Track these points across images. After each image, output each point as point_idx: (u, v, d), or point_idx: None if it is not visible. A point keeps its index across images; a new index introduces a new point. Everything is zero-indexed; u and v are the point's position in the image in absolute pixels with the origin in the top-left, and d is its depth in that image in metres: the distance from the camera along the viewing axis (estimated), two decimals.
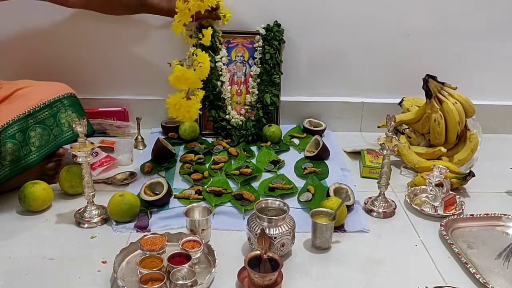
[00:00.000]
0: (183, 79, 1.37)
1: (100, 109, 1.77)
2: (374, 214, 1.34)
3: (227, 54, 1.70)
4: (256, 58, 1.70)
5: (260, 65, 1.70)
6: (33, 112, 1.37)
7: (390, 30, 1.75)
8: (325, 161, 1.58)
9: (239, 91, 1.75)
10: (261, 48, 1.69)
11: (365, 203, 1.38)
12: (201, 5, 1.43)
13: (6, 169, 1.30)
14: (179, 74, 1.36)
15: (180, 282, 1.01)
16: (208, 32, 1.46)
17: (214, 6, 1.57)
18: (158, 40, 1.71)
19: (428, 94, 1.55)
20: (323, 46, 1.77)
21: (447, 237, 1.21)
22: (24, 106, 1.37)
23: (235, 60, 1.73)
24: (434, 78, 1.54)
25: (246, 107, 1.75)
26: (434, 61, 1.77)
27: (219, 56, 1.68)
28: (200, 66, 1.38)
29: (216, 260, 1.08)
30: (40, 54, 1.72)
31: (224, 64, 1.69)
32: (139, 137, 1.70)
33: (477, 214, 1.31)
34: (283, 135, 1.75)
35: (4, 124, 1.32)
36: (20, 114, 1.35)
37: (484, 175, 1.50)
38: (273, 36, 1.67)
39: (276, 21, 1.69)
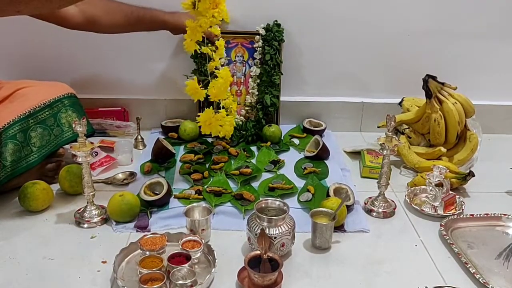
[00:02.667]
0: (197, 93, 1.47)
1: (100, 109, 1.77)
2: (374, 214, 1.34)
3: (226, 54, 1.69)
4: (256, 58, 1.70)
5: (260, 66, 1.69)
6: (33, 112, 1.37)
7: (390, 30, 1.75)
8: (325, 161, 1.58)
9: (238, 91, 1.74)
10: (261, 48, 1.68)
11: (365, 203, 1.38)
12: (213, 20, 1.41)
13: (7, 170, 1.30)
14: (191, 90, 1.47)
15: (180, 282, 1.01)
16: (221, 43, 1.46)
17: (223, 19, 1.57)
18: (158, 40, 1.71)
19: (428, 94, 1.55)
20: (323, 46, 1.77)
21: (447, 237, 1.21)
22: (25, 106, 1.37)
23: (234, 61, 1.72)
24: (434, 78, 1.54)
25: (246, 107, 1.74)
26: (434, 61, 1.77)
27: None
28: (222, 78, 1.46)
29: (216, 260, 1.08)
30: (40, 54, 1.72)
31: (223, 65, 1.69)
32: (139, 137, 1.70)
33: (477, 214, 1.31)
34: (283, 135, 1.75)
35: (5, 124, 1.32)
36: (20, 114, 1.35)
37: (484, 175, 1.50)
38: (273, 37, 1.66)
39: (276, 21, 1.69)
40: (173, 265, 1.04)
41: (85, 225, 1.26)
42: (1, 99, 1.41)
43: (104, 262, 1.13)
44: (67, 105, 1.44)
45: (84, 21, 1.48)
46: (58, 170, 1.42)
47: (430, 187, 1.36)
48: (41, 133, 1.38)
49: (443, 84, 1.56)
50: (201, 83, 1.67)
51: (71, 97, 1.47)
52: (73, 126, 1.19)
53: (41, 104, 1.39)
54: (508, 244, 1.21)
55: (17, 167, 1.33)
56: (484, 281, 1.06)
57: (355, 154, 1.68)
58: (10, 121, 1.33)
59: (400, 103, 1.74)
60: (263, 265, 1.04)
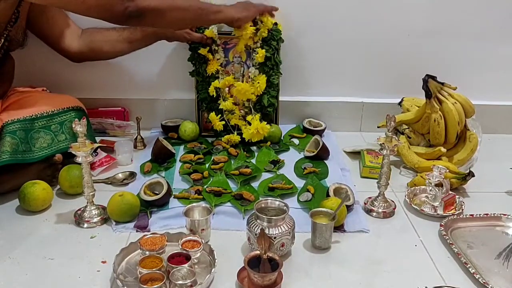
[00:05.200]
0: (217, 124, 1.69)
1: (100, 108, 1.77)
2: (374, 214, 1.34)
3: (224, 55, 1.69)
4: (254, 59, 1.68)
5: (258, 66, 1.68)
6: (40, 117, 1.40)
7: (390, 30, 1.74)
8: (325, 161, 1.58)
9: None
10: (259, 48, 1.67)
11: (364, 203, 1.38)
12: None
13: (4, 155, 1.31)
14: (213, 120, 1.69)
15: (180, 282, 1.01)
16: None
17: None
18: None
19: (428, 94, 1.55)
20: (323, 46, 1.76)
21: (447, 237, 1.21)
22: (32, 110, 1.40)
23: (232, 61, 1.72)
24: (433, 78, 1.54)
25: (245, 108, 1.73)
26: (434, 61, 1.77)
27: (216, 58, 1.67)
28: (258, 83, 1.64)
29: (216, 260, 1.09)
30: (40, 53, 1.72)
31: (221, 66, 1.69)
32: (139, 137, 1.70)
33: (476, 214, 1.31)
34: (283, 135, 1.75)
35: (8, 120, 1.34)
36: (26, 116, 1.37)
37: (484, 175, 1.50)
38: (272, 37, 1.66)
39: (275, 22, 1.68)
40: (173, 265, 1.04)
41: (85, 225, 1.26)
42: (12, 101, 1.45)
43: (104, 262, 1.13)
44: (74, 117, 1.45)
45: (87, 51, 1.59)
46: (56, 174, 1.42)
47: (430, 187, 1.36)
48: (43, 137, 1.40)
49: (443, 84, 1.56)
50: (200, 82, 1.69)
51: (80, 110, 1.50)
52: (73, 126, 1.19)
53: (49, 111, 1.42)
54: (508, 244, 1.21)
55: (13, 157, 1.33)
56: (483, 281, 1.06)
57: (355, 154, 1.67)
58: (14, 119, 1.35)
59: (400, 103, 1.74)
60: (263, 265, 1.04)
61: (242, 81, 1.70)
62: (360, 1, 1.70)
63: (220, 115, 1.69)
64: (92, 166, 1.50)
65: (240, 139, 1.67)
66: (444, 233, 1.23)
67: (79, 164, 1.23)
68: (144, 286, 1.00)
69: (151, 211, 1.31)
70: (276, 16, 1.67)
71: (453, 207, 1.36)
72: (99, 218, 1.28)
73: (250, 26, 1.60)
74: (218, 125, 1.67)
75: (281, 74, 1.70)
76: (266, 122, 1.66)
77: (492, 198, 1.44)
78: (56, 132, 1.43)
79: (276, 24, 1.66)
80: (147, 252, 1.09)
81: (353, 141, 1.77)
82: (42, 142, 1.39)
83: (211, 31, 1.64)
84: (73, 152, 1.21)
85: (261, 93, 1.66)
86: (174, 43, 1.70)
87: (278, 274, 1.05)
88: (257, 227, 1.12)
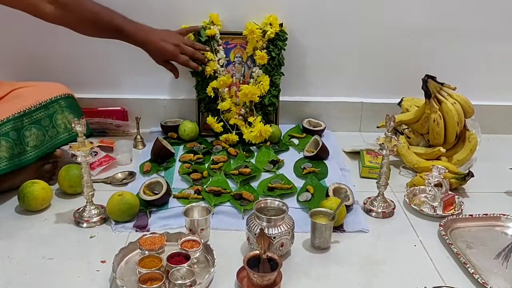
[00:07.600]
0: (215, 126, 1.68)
1: (99, 108, 1.77)
2: (373, 214, 1.34)
3: (225, 55, 1.69)
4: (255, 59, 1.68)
5: (261, 66, 1.68)
6: (28, 112, 1.36)
7: (390, 30, 1.74)
8: (324, 161, 1.58)
9: (237, 92, 1.73)
10: (264, 49, 1.67)
11: (364, 203, 1.38)
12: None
13: (2, 163, 1.30)
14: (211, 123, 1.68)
15: (179, 281, 1.01)
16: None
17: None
18: None
19: (427, 95, 1.55)
20: (322, 46, 1.76)
21: (446, 237, 1.21)
22: (20, 106, 1.36)
23: (233, 61, 1.72)
24: (433, 78, 1.54)
25: (246, 108, 1.74)
26: (434, 61, 1.77)
27: (217, 58, 1.67)
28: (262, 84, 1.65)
29: (215, 260, 1.09)
30: (38, 53, 1.72)
31: (222, 66, 1.69)
32: (138, 136, 1.70)
33: (476, 214, 1.31)
34: (282, 135, 1.75)
35: None
36: (14, 113, 1.34)
37: (483, 175, 1.50)
38: (278, 37, 1.65)
39: (281, 23, 1.68)
40: (172, 265, 1.04)
41: (84, 225, 1.26)
42: None
43: (103, 261, 1.13)
44: (63, 106, 1.43)
45: (59, 23, 1.43)
46: (55, 171, 1.42)
47: (429, 187, 1.36)
48: (35, 133, 1.38)
49: (442, 84, 1.56)
50: (200, 82, 1.69)
51: (68, 97, 1.45)
52: (73, 125, 1.18)
53: (36, 104, 1.38)
54: (507, 244, 1.21)
55: (12, 163, 1.32)
56: (483, 281, 1.06)
57: (355, 154, 1.68)
58: (3, 119, 1.32)
59: (399, 103, 1.74)
60: (262, 265, 1.04)
61: (243, 81, 1.71)
62: (360, 1, 1.70)
63: (217, 117, 1.68)
64: (92, 165, 1.50)
65: (238, 139, 1.67)
66: (444, 233, 1.23)
67: (79, 163, 1.23)
68: (144, 286, 1.00)
69: (150, 211, 1.31)
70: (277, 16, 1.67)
71: (452, 207, 1.36)
72: (98, 217, 1.28)
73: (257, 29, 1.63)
74: (217, 127, 1.68)
75: (283, 74, 1.70)
76: (269, 125, 1.66)
77: (491, 198, 1.44)
78: (47, 127, 1.40)
79: (281, 25, 1.66)
80: (146, 252, 1.09)
81: (353, 141, 1.77)
82: (35, 140, 1.37)
83: (213, 30, 1.64)
84: (73, 152, 1.21)
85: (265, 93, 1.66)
86: None
87: (277, 274, 1.05)
88: (256, 227, 1.12)
